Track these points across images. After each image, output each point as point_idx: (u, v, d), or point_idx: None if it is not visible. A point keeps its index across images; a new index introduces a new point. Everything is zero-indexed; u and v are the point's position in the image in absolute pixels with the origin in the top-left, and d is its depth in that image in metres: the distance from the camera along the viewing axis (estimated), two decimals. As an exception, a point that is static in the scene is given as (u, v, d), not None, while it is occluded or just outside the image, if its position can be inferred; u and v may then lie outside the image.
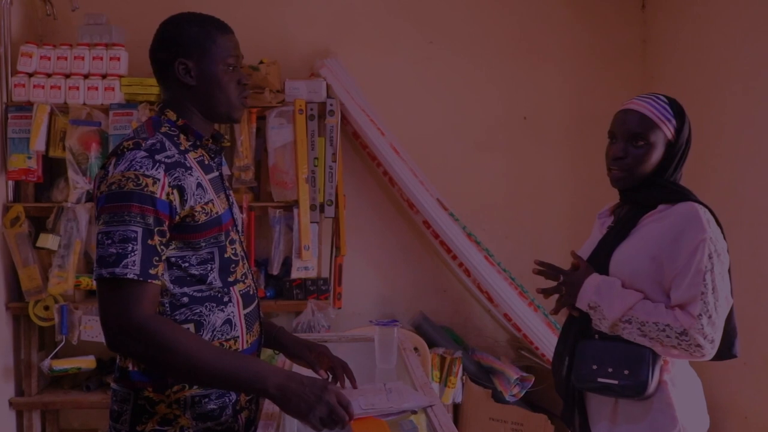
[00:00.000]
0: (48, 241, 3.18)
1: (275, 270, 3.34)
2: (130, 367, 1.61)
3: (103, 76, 3.27)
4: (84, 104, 3.25)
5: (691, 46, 3.35)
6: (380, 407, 1.51)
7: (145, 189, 1.49)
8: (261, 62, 3.33)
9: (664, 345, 1.67)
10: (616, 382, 1.70)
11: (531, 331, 3.29)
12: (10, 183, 3.26)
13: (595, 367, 1.73)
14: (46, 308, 3.20)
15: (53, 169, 3.36)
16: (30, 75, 3.24)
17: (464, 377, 3.35)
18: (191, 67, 1.63)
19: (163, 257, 1.54)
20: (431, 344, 3.40)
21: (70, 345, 3.22)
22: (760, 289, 2.76)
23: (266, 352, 3.18)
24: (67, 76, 3.26)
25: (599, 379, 1.72)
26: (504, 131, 3.72)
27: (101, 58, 3.27)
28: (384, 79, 3.63)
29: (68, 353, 3.26)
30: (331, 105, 3.31)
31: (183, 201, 1.55)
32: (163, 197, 1.51)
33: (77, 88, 3.25)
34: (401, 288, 3.69)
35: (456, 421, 3.43)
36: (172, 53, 1.64)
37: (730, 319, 1.74)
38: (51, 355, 3.22)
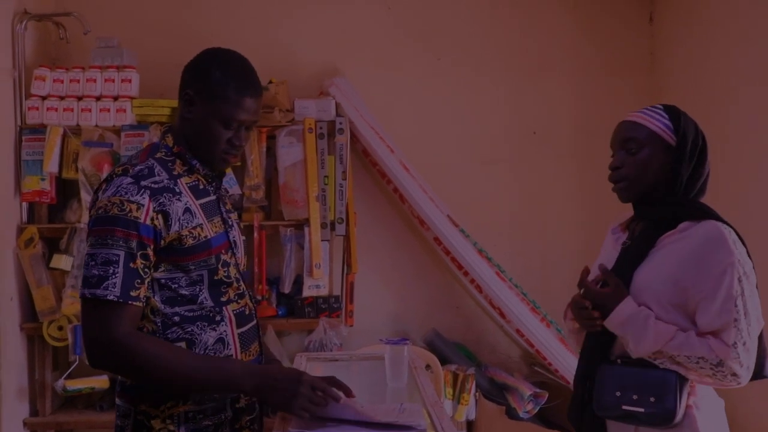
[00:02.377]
0: (61, 261, 3.21)
1: (287, 288, 3.35)
2: (128, 382, 1.66)
3: (115, 98, 3.31)
4: (96, 126, 3.28)
5: (699, 58, 3.34)
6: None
7: (129, 214, 1.55)
8: (270, 82, 3.35)
9: (699, 374, 1.61)
10: (642, 410, 1.62)
11: (544, 347, 3.27)
12: (24, 204, 3.29)
13: (618, 394, 1.65)
14: (60, 328, 3.22)
15: (66, 191, 3.39)
16: (43, 98, 3.28)
17: (477, 394, 3.33)
18: (194, 103, 1.67)
19: (147, 279, 1.58)
20: (444, 361, 3.38)
21: (84, 365, 3.22)
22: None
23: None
24: (80, 98, 3.30)
25: (624, 407, 1.64)
26: (513, 146, 3.72)
27: (113, 81, 3.31)
28: (392, 96, 3.64)
29: (82, 373, 3.27)
30: (341, 123, 3.33)
31: (167, 225, 1.59)
32: (147, 222, 1.56)
33: (89, 110, 3.28)
34: (413, 305, 3.68)
35: (470, 438, 3.41)
36: (188, 80, 1.69)
37: (760, 340, 1.67)
38: (65, 375, 3.24)
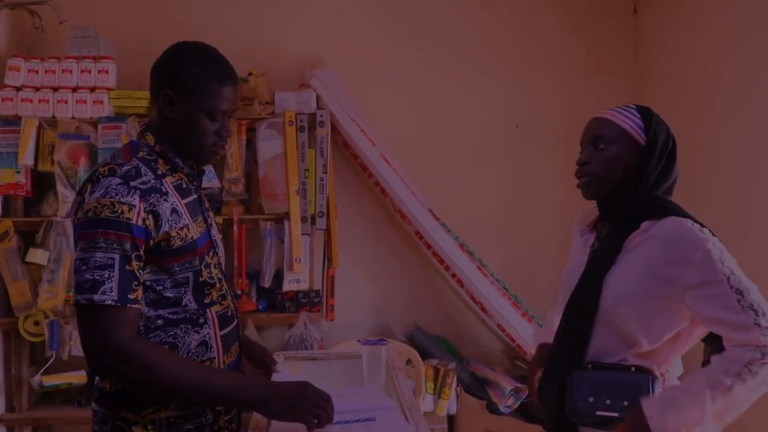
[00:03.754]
0: (37, 256, 3.15)
1: (267, 283, 3.32)
2: (108, 388, 1.63)
3: (92, 89, 3.24)
4: (72, 118, 3.22)
5: (683, 50, 3.33)
6: None
7: (121, 216, 1.51)
8: (250, 74, 3.30)
9: (759, 375, 1.49)
10: (616, 414, 1.59)
11: (524, 342, 3.27)
12: (-1, 198, 3.24)
13: (591, 399, 1.61)
14: (36, 323, 3.18)
15: (42, 183, 3.33)
16: (18, 89, 3.21)
17: (458, 388, 3.32)
18: (174, 101, 1.64)
19: (141, 280, 1.56)
20: (425, 355, 3.37)
21: (61, 360, 3.19)
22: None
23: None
24: (56, 89, 3.23)
25: (598, 413, 1.60)
26: (496, 139, 3.70)
27: (89, 71, 3.24)
28: (375, 88, 3.60)
29: (59, 368, 3.24)
30: (321, 116, 3.29)
31: (158, 226, 1.57)
32: (139, 223, 1.54)
33: (65, 102, 3.22)
34: (395, 299, 3.66)
35: (451, 432, 3.41)
36: (163, 81, 1.65)
37: None
38: (41, 371, 3.20)
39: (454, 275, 3.38)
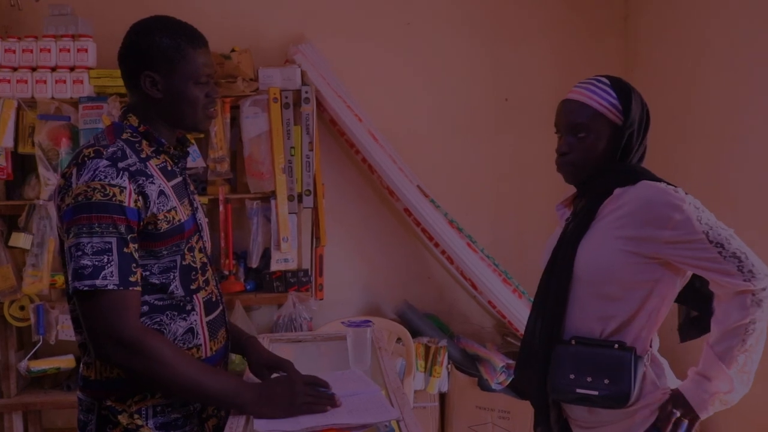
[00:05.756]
0: (20, 240, 3.11)
1: (254, 263, 3.29)
2: (93, 376, 1.61)
3: (71, 69, 3.18)
4: (52, 98, 3.16)
5: (673, 22, 3.27)
6: (344, 422, 1.46)
7: (113, 199, 1.49)
8: (233, 50, 3.24)
9: (765, 321, 1.55)
10: (596, 392, 1.58)
11: (515, 318, 3.24)
12: (-20, 181, 3.18)
13: (572, 376, 1.60)
14: (22, 308, 3.15)
15: (24, 166, 3.27)
16: (-5, 69, 3.15)
17: (450, 366, 3.31)
18: (158, 81, 1.61)
19: (139, 262, 1.53)
20: (415, 333, 3.36)
21: (48, 345, 3.17)
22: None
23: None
24: (34, 69, 3.17)
25: (577, 390, 1.60)
26: (485, 114, 3.64)
27: (68, 50, 3.18)
28: (361, 62, 3.54)
29: (46, 353, 3.22)
30: (307, 92, 3.23)
31: (147, 207, 1.54)
32: (132, 205, 1.51)
33: (45, 82, 3.15)
34: (385, 276, 3.63)
35: (442, 409, 3.40)
36: (139, 64, 1.61)
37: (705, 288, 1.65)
38: (28, 356, 3.17)
39: (443, 252, 3.35)
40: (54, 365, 3.20)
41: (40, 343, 3.14)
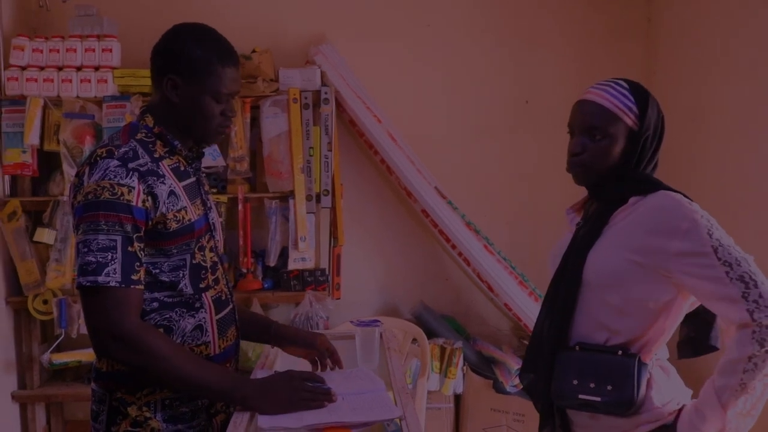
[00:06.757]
0: (44, 235, 3.18)
1: (272, 261, 3.32)
2: (104, 368, 1.65)
3: (96, 68, 3.24)
4: (77, 97, 3.22)
5: (696, 24, 3.23)
6: (347, 419, 1.48)
7: (121, 198, 1.52)
8: (254, 51, 3.27)
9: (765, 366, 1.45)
10: (598, 399, 1.55)
11: (531, 321, 3.23)
12: (7, 177, 3.25)
13: (575, 382, 1.58)
14: (45, 302, 3.21)
15: (49, 163, 3.34)
16: (23, 68, 3.21)
17: (465, 367, 3.31)
18: (179, 86, 1.64)
19: (143, 262, 1.57)
20: (431, 334, 3.36)
21: (70, 338, 3.23)
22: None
23: (255, 347, 3.16)
24: (60, 68, 3.23)
25: (580, 396, 1.57)
26: (504, 116, 3.63)
27: (93, 50, 3.24)
28: (381, 64, 3.55)
29: (68, 346, 3.28)
30: (326, 93, 3.25)
31: (156, 207, 1.57)
32: (139, 204, 1.54)
33: (70, 81, 3.22)
34: (402, 277, 3.64)
35: (457, 411, 3.40)
36: (167, 65, 1.64)
37: (708, 311, 1.59)
38: (51, 349, 3.24)
39: (460, 254, 3.35)
40: (75, 358, 3.27)
41: (62, 336, 3.21)
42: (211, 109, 1.64)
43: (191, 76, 1.62)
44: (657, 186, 1.60)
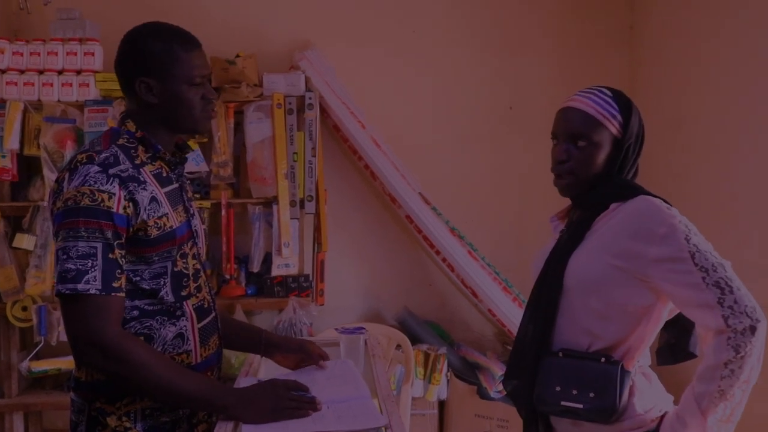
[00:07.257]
0: (24, 241, 3.14)
1: (255, 267, 3.30)
2: (83, 378, 1.62)
3: (78, 72, 3.21)
4: (58, 101, 3.20)
5: (679, 31, 3.26)
6: (331, 428, 1.46)
7: (101, 204, 1.49)
8: (237, 56, 3.25)
9: (744, 369, 1.44)
10: (580, 406, 1.55)
11: (515, 327, 3.22)
12: (-14, 182, 3.21)
13: (558, 388, 1.57)
14: (25, 309, 3.17)
15: (29, 168, 3.31)
16: (2, 71, 3.18)
17: (449, 373, 3.30)
18: (153, 86, 1.62)
19: (124, 269, 1.54)
20: (416, 340, 3.35)
21: (50, 346, 3.19)
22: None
23: (239, 354, 3.13)
24: (41, 72, 3.20)
25: (563, 403, 1.57)
26: (489, 122, 3.64)
27: (75, 54, 3.21)
28: (365, 70, 3.55)
29: (48, 354, 3.24)
30: (310, 98, 3.24)
31: (137, 214, 1.55)
32: (120, 211, 1.52)
33: (51, 85, 3.19)
34: (386, 283, 3.63)
35: (441, 417, 3.39)
36: (133, 70, 1.62)
37: (685, 318, 1.60)
38: (30, 356, 3.20)
39: (444, 260, 3.35)
40: (55, 366, 3.22)
41: (42, 344, 3.17)
42: (190, 96, 1.62)
43: (161, 72, 1.60)
44: (637, 191, 1.61)
